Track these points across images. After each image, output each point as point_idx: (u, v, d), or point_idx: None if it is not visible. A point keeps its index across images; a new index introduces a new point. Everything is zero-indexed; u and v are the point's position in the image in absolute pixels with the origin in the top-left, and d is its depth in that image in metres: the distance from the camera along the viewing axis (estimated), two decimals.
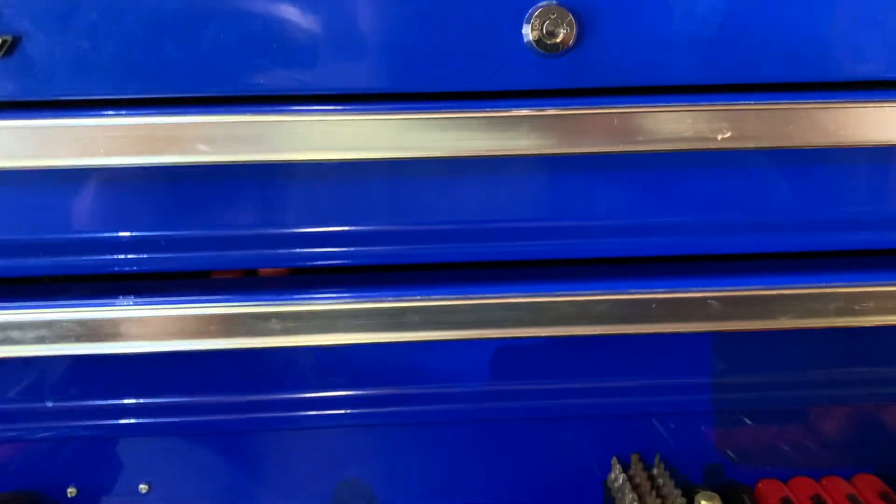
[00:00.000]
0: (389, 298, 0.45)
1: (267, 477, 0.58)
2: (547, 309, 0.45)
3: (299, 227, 0.46)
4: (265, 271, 0.51)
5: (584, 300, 0.45)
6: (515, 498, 0.59)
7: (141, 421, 0.56)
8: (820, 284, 0.46)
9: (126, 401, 0.55)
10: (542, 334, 0.46)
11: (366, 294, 0.45)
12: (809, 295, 0.45)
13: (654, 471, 0.56)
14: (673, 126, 0.41)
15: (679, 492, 0.53)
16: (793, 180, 0.46)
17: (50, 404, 0.55)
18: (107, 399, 0.55)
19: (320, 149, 0.41)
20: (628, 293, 0.45)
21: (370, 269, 0.49)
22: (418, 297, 0.45)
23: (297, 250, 0.46)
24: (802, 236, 0.47)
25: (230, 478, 0.58)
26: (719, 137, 0.41)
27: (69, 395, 0.55)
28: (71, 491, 0.57)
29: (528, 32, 0.40)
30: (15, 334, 0.44)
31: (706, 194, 0.46)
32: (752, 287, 0.46)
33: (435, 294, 0.45)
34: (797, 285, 0.46)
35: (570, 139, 0.41)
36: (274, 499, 0.58)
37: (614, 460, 0.57)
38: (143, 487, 0.57)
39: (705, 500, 0.48)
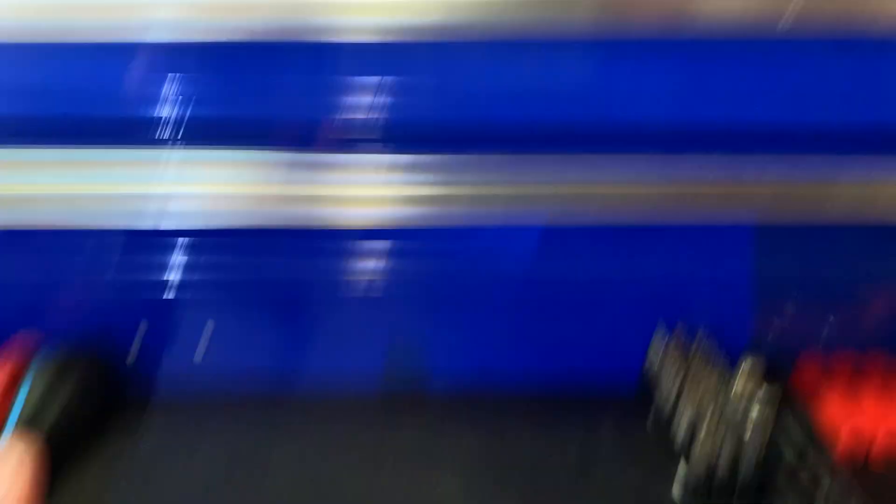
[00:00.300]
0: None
1: (323, 343, 0.60)
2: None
3: None
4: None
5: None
6: (557, 366, 0.59)
7: (198, 290, 0.58)
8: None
9: (185, 270, 0.58)
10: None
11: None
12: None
13: (698, 341, 0.56)
14: None
15: (722, 360, 0.53)
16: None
17: (111, 272, 0.57)
18: (164, 271, 0.57)
19: None
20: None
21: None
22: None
23: None
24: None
25: (286, 344, 0.60)
26: None
27: (129, 262, 0.57)
28: (131, 356, 0.59)
29: None
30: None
31: None
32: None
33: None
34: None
35: None
36: (329, 361, 0.59)
37: (658, 330, 0.58)
38: (198, 354, 0.59)
39: (750, 362, 0.47)
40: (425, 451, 0.55)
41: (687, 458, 0.49)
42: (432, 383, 0.62)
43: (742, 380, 0.49)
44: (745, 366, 0.49)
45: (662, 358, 0.57)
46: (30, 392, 0.53)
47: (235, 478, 0.53)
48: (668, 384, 0.55)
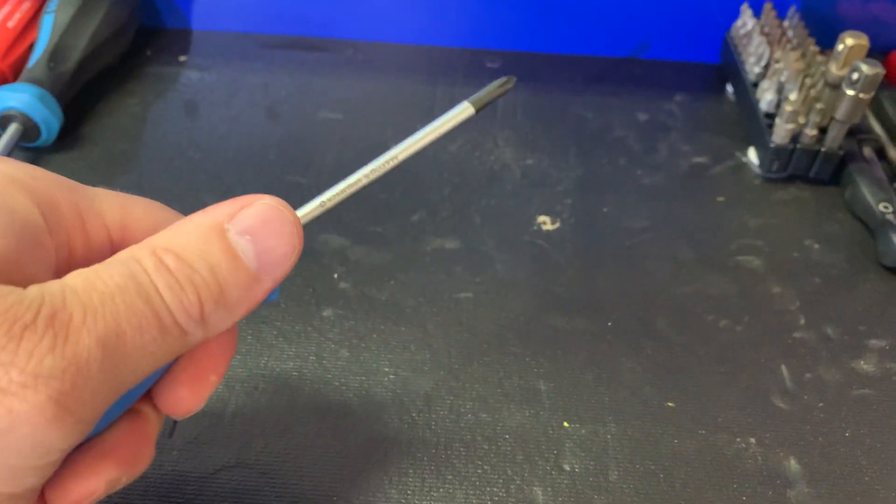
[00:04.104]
0: None
1: None
2: None
3: None
4: None
5: None
6: (627, 45, 0.57)
7: None
8: None
9: None
10: None
11: None
12: None
13: (787, 22, 0.52)
14: None
15: (813, 40, 0.49)
16: None
17: None
18: None
19: None
20: None
21: None
22: None
23: None
24: None
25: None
26: None
27: None
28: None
29: None
30: None
31: None
32: None
33: None
34: None
35: None
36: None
37: (744, 6, 0.53)
38: None
39: (852, 37, 0.42)
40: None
41: (769, 126, 0.46)
42: (490, 38, 0.58)
43: (840, 57, 0.44)
44: (845, 43, 0.43)
45: (746, 35, 0.52)
46: (57, 16, 0.49)
47: (281, 114, 0.50)
48: (757, 50, 0.50)
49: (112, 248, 0.22)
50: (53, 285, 0.17)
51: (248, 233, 0.20)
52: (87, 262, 0.20)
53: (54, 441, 0.17)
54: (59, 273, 0.19)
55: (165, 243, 0.19)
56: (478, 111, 0.24)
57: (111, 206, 0.22)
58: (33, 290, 0.17)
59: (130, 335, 0.17)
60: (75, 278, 0.18)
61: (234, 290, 0.19)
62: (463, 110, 0.24)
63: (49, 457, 0.18)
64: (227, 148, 0.47)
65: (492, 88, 0.24)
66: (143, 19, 0.57)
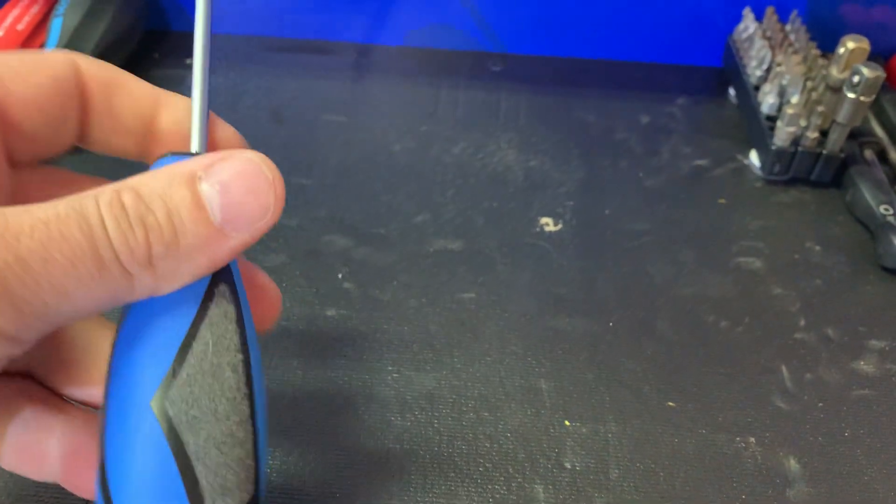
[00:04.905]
0: None
1: None
2: None
3: None
4: None
5: None
6: (631, 51, 0.57)
7: None
8: None
9: None
10: None
11: None
12: None
13: (789, 26, 0.52)
14: None
15: (814, 44, 0.50)
16: None
17: None
18: None
19: None
20: None
21: None
22: None
23: None
24: None
25: None
26: None
27: None
28: None
29: None
30: None
31: None
32: None
33: None
34: None
35: None
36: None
37: (746, 10, 0.53)
38: None
39: (853, 41, 0.43)
40: (487, 107, 0.52)
41: (771, 129, 0.46)
42: (494, 41, 0.58)
43: (842, 60, 0.44)
44: (846, 47, 0.44)
45: (754, 28, 0.52)
46: (65, 19, 0.49)
47: (286, 117, 0.51)
48: (759, 53, 0.50)
49: (142, 134, 0.23)
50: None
51: (219, 184, 0.19)
52: (108, 143, 0.23)
53: None
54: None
55: (132, 182, 0.19)
56: None
57: (144, 95, 0.23)
58: None
59: (61, 263, 0.17)
60: (17, 208, 0.18)
61: (190, 238, 0.19)
62: None
63: None
64: None
65: None
66: (150, 22, 0.57)
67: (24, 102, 0.21)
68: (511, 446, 0.33)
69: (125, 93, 0.23)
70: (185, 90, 0.23)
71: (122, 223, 0.18)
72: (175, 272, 0.19)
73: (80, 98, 0.23)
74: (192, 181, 0.19)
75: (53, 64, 0.22)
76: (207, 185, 0.19)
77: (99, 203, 0.18)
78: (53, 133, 0.23)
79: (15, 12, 0.50)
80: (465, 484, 0.31)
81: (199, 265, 0.19)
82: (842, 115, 0.44)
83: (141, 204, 0.18)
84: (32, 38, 0.50)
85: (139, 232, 0.18)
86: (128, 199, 0.18)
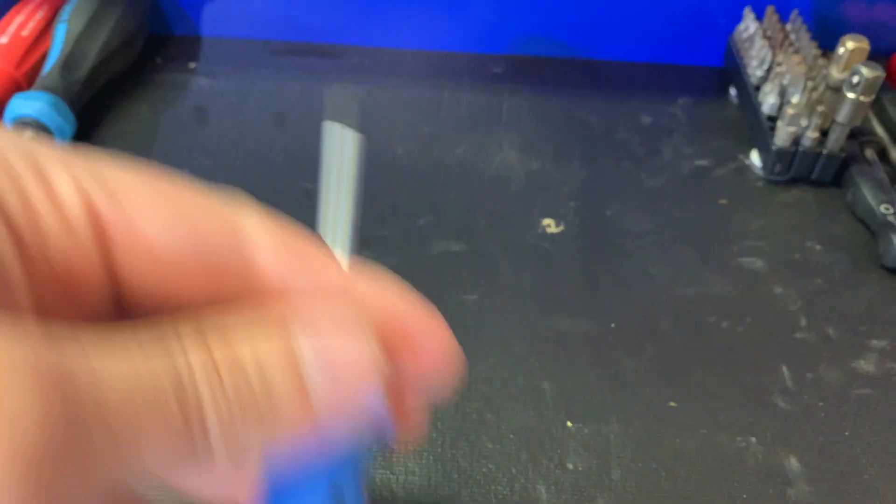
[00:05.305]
0: None
1: None
2: None
3: None
4: None
5: None
6: (632, 51, 0.58)
7: None
8: None
9: None
10: None
11: None
12: None
13: (789, 25, 0.52)
14: None
15: (815, 43, 0.50)
16: None
17: None
18: None
19: None
20: None
21: None
22: None
23: None
24: None
25: None
26: None
27: None
28: None
29: None
30: None
31: None
32: None
33: None
34: None
35: None
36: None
37: (747, 10, 0.54)
38: None
39: (852, 41, 0.43)
40: (489, 109, 0.52)
41: (772, 129, 0.46)
42: (495, 43, 0.58)
43: (841, 60, 0.44)
44: (846, 47, 0.44)
45: (755, 28, 0.52)
46: (70, 24, 0.50)
47: (289, 120, 0.51)
48: (759, 53, 0.50)
49: (93, 222, 0.15)
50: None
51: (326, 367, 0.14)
52: (58, 242, 0.15)
53: None
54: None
55: (225, 339, 0.14)
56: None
57: (83, 176, 0.15)
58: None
59: (145, 441, 0.13)
60: (103, 355, 0.13)
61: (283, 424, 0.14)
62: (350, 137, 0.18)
63: None
64: (236, 154, 0.48)
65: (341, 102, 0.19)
66: (154, 27, 0.58)
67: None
68: (514, 447, 0.33)
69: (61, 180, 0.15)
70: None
71: (220, 404, 0.13)
72: (238, 456, 0.14)
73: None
74: (292, 354, 0.14)
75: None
76: (311, 354, 0.14)
77: (194, 370, 0.13)
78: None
79: (20, 18, 0.51)
80: (468, 485, 0.31)
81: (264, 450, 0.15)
82: (842, 115, 0.44)
83: (241, 380, 0.14)
84: (37, 43, 0.51)
85: (239, 421, 0.14)
86: (226, 371, 0.14)
